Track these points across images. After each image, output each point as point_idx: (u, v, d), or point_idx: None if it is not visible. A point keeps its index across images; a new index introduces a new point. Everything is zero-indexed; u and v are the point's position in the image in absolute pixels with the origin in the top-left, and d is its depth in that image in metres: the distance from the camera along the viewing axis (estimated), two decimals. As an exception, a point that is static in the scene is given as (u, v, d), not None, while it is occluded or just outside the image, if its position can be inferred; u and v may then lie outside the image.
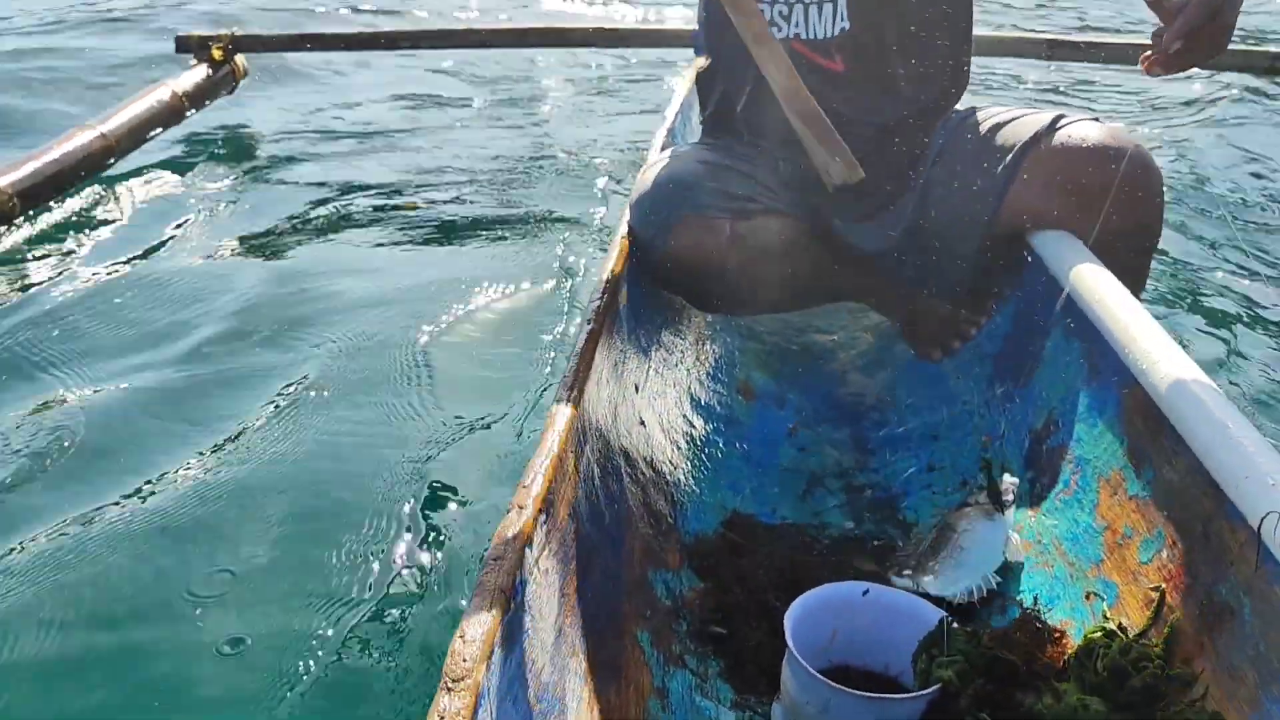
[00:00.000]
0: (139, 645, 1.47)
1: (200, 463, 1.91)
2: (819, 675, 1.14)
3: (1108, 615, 1.28)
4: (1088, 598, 1.33)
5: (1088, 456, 1.49)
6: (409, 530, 1.70)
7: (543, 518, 1.09)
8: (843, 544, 1.58)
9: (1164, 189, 1.79)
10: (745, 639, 1.33)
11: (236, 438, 2.01)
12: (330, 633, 1.47)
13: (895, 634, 1.26)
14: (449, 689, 0.83)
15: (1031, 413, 1.69)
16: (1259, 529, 1.07)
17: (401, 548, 1.66)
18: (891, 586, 1.35)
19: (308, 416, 2.08)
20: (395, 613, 1.52)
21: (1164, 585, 1.22)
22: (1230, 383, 2.21)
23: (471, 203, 3.47)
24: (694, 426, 1.80)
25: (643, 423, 1.64)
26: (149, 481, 1.85)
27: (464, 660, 0.85)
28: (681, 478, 1.65)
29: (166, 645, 1.46)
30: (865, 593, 1.28)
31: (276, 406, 2.11)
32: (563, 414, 1.24)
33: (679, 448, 1.71)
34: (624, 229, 1.85)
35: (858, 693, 1.13)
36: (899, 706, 1.14)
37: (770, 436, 1.90)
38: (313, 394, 2.15)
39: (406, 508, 1.75)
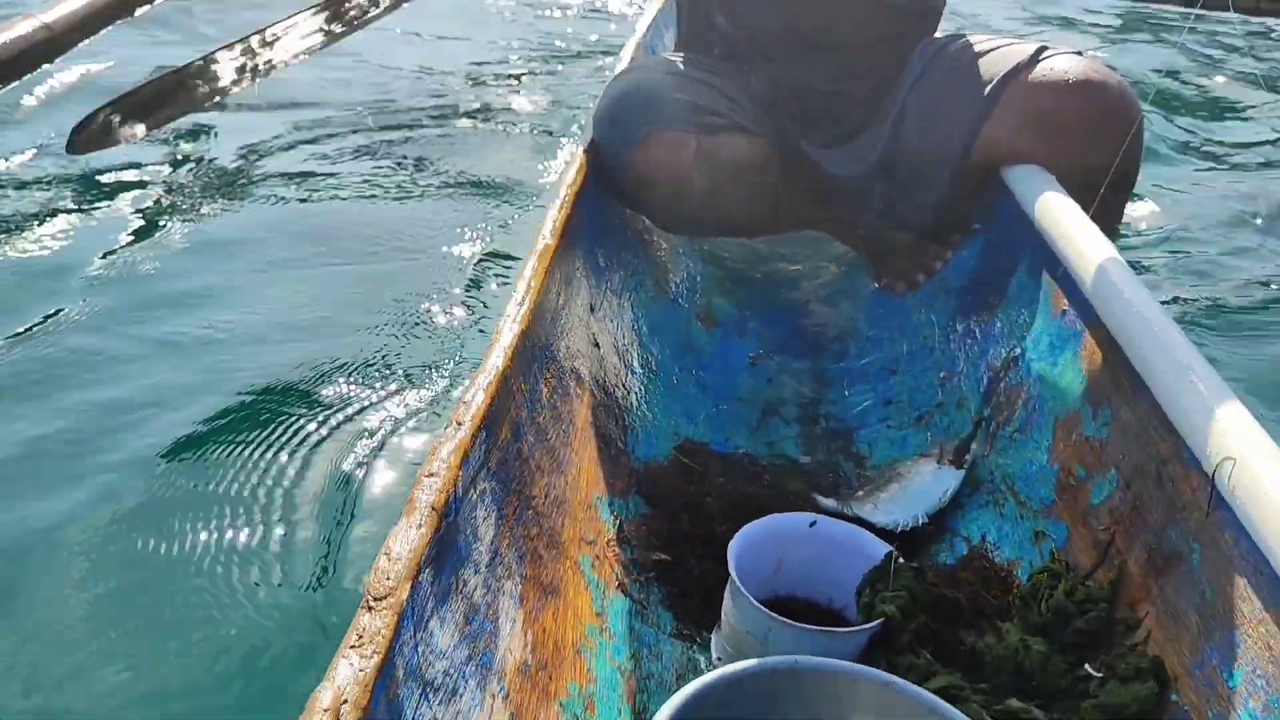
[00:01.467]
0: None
1: (128, 385, 1.84)
2: (760, 606, 1.12)
3: (1056, 556, 1.26)
4: (1037, 538, 1.32)
5: (1045, 396, 1.46)
6: (342, 448, 1.64)
7: (482, 435, 1.04)
8: (794, 475, 1.55)
9: (1144, 129, 1.75)
10: (690, 567, 1.30)
11: (169, 330, 1.94)
12: (250, 554, 1.42)
13: (840, 567, 1.24)
14: (370, 607, 0.79)
15: (992, 350, 1.66)
16: (1213, 475, 1.05)
17: (332, 464, 1.61)
18: (834, 516, 1.33)
19: (237, 314, 2.00)
20: (322, 533, 1.47)
21: (1114, 528, 1.21)
22: (1197, 329, 2.19)
23: (424, 113, 3.36)
24: (650, 352, 1.76)
25: (596, 345, 1.59)
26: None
27: (388, 578, 0.82)
28: (634, 402, 1.61)
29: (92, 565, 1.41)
30: (812, 524, 1.26)
31: (208, 318, 2.04)
32: (509, 330, 1.19)
33: (633, 372, 1.67)
34: (586, 142, 1.79)
35: (799, 624, 1.11)
36: (840, 640, 1.13)
37: (729, 365, 1.87)
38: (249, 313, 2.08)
39: (341, 428, 1.70)
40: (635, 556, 1.32)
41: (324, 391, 1.80)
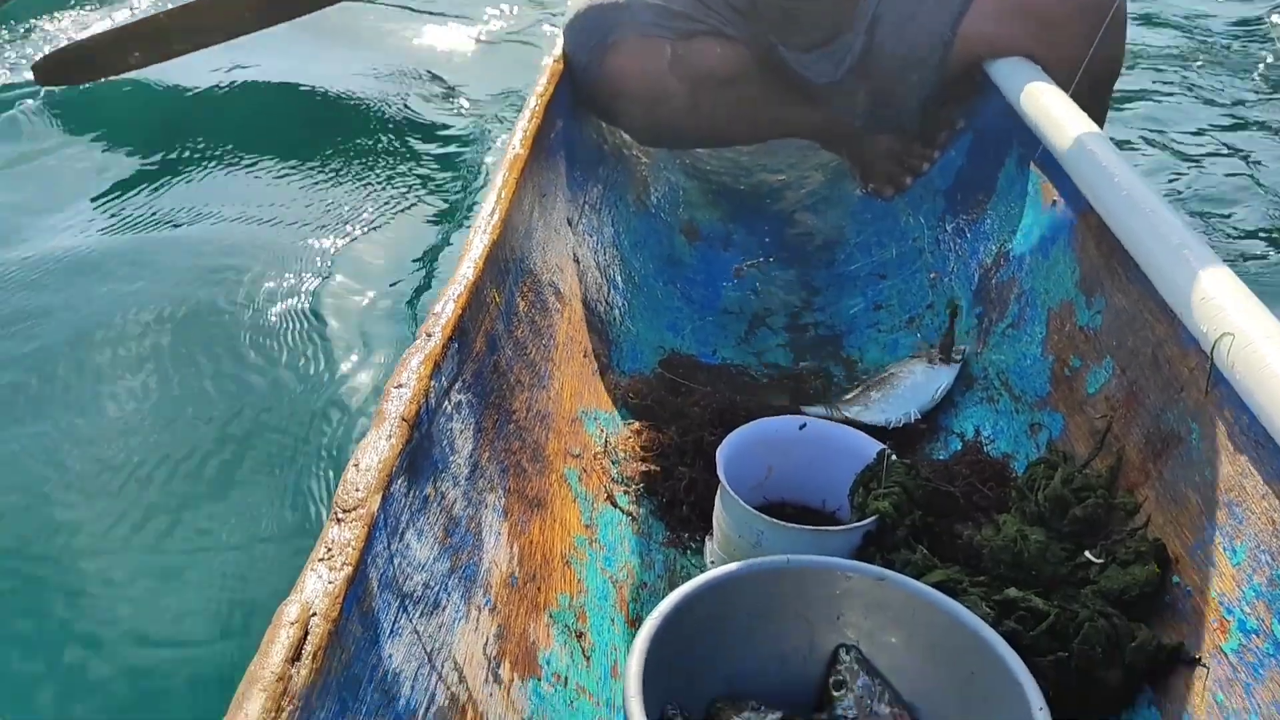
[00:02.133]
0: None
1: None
2: (750, 508, 1.09)
3: (1053, 447, 1.24)
4: (1032, 430, 1.29)
5: (1037, 288, 1.43)
6: (305, 362, 1.60)
7: (454, 346, 1.01)
8: (784, 382, 1.52)
9: (1128, 18, 1.70)
10: (679, 477, 1.27)
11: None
12: (213, 466, 1.39)
13: (832, 469, 1.22)
14: (339, 519, 0.76)
15: (982, 247, 1.62)
16: (1211, 352, 1.02)
17: (301, 387, 1.57)
18: (827, 419, 1.30)
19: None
20: (287, 449, 1.43)
21: (1110, 415, 1.18)
22: (1189, 214, 2.15)
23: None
24: (632, 266, 1.72)
25: (576, 260, 1.55)
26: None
27: (357, 490, 0.78)
28: (618, 317, 1.57)
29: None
30: (802, 427, 1.23)
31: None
32: (480, 241, 1.15)
33: (616, 287, 1.63)
34: (558, 51, 1.73)
35: (791, 525, 1.08)
36: (833, 539, 1.10)
37: (713, 277, 1.83)
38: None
39: (307, 347, 1.65)
40: (624, 469, 1.29)
41: (284, 305, 1.74)
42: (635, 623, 1.09)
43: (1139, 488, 1.09)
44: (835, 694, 0.99)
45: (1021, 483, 1.16)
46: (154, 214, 2.05)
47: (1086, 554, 1.06)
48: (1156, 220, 1.17)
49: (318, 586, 0.70)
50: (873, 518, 1.10)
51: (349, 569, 0.72)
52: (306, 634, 0.67)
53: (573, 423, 1.28)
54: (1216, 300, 1.03)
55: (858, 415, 1.34)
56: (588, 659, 1.02)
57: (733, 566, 0.98)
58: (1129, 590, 0.99)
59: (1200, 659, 0.92)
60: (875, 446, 1.20)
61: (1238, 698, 0.86)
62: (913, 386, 1.39)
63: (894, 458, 1.17)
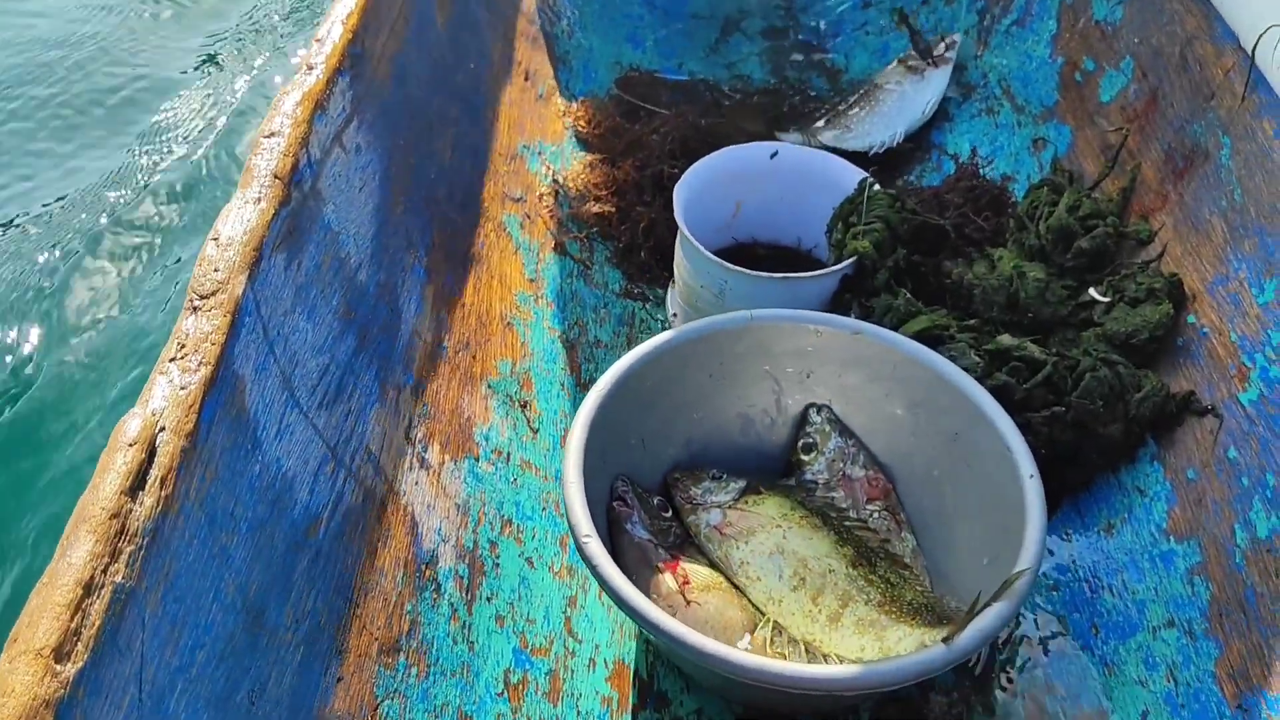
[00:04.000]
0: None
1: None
2: (711, 255, 0.96)
3: (1058, 166, 1.08)
4: (1036, 146, 1.13)
5: (1050, -24, 1.22)
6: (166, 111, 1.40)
7: (344, 79, 0.84)
8: (757, 101, 1.34)
9: None
10: (636, 218, 1.13)
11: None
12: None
13: (808, 202, 1.07)
14: (194, 308, 0.63)
15: (987, -73, 1.39)
16: (1254, 50, 0.85)
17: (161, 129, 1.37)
18: (805, 145, 1.14)
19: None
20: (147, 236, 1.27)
21: (1127, 127, 1.02)
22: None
23: None
24: None
25: None
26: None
27: (215, 270, 0.65)
28: (566, 28, 1.37)
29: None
30: (773, 155, 1.07)
31: None
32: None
33: None
34: None
35: (756, 273, 0.95)
36: (806, 285, 0.97)
37: None
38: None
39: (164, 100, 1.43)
40: (573, 210, 1.14)
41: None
42: (588, 386, 0.99)
43: (1155, 214, 0.95)
44: (804, 457, 0.90)
45: (1021, 210, 1.01)
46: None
47: (1091, 291, 0.93)
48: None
49: (166, 394, 0.58)
50: (850, 259, 0.97)
51: (207, 368, 0.60)
52: (153, 454, 0.55)
53: (512, 160, 1.12)
54: (1267, -16, 0.85)
55: (837, 141, 1.18)
56: (534, 431, 0.93)
57: (689, 326, 0.86)
58: (1138, 333, 0.88)
59: (1213, 409, 0.81)
60: (856, 175, 1.05)
61: (1252, 454, 0.76)
62: (900, 100, 1.22)
63: (876, 188, 1.02)
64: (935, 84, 1.24)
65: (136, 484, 0.53)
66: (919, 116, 1.21)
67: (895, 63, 1.26)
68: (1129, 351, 0.88)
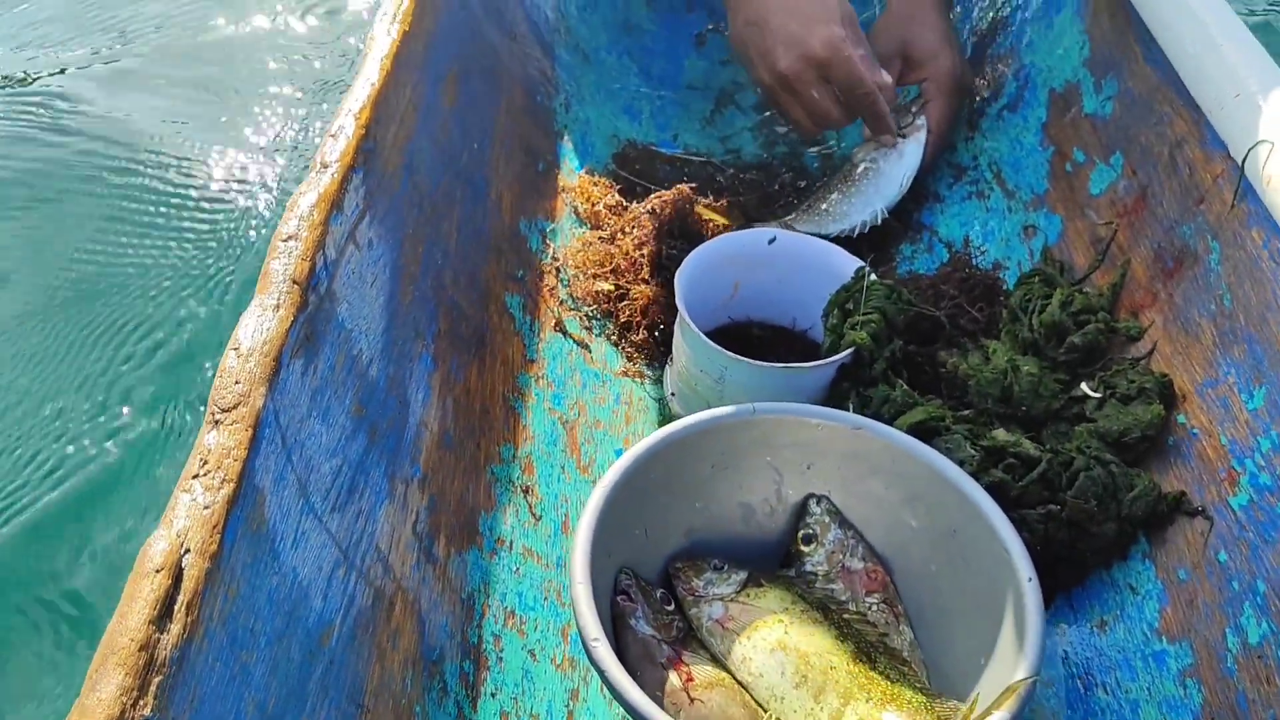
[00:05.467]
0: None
1: None
2: (713, 344, 0.98)
3: (1049, 254, 1.11)
4: (1026, 233, 1.16)
5: (1039, 64, 1.26)
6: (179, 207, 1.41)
7: (358, 176, 0.85)
8: (751, 175, 1.37)
9: None
10: (635, 296, 1.15)
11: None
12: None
13: (804, 285, 1.09)
14: (216, 422, 0.63)
15: (976, 11, 1.43)
16: (1243, 161, 0.88)
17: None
18: (795, 231, 1.16)
19: None
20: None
21: (1117, 222, 1.05)
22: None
23: None
24: (580, 36, 1.51)
25: (513, 36, 1.35)
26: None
27: (237, 382, 0.65)
28: (564, 102, 1.39)
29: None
30: (772, 241, 1.09)
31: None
32: (384, 36, 0.96)
33: (560, 63, 1.43)
34: None
35: (756, 361, 0.97)
36: (805, 375, 0.99)
37: (675, 45, 1.63)
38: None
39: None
40: (574, 288, 1.16)
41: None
42: (588, 469, 1.00)
43: (1144, 310, 0.98)
44: (804, 548, 0.92)
45: (1014, 302, 1.04)
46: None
47: (1083, 386, 0.96)
48: (1186, -11, 0.99)
49: (192, 514, 0.59)
50: (848, 350, 0.99)
51: (230, 485, 0.61)
52: (180, 578, 0.56)
53: (513, 239, 1.14)
54: (1254, 98, 0.88)
55: (817, 229, 1.19)
56: (536, 517, 0.93)
57: (694, 419, 0.87)
58: (1130, 431, 0.90)
59: (1204, 511, 0.83)
60: (853, 262, 1.07)
61: (1242, 559, 0.78)
62: (876, 179, 1.23)
63: (873, 278, 1.04)
64: (910, 156, 1.24)
65: (164, 612, 0.54)
66: (896, 192, 1.22)
67: (860, 145, 1.27)
68: (1121, 449, 0.90)
